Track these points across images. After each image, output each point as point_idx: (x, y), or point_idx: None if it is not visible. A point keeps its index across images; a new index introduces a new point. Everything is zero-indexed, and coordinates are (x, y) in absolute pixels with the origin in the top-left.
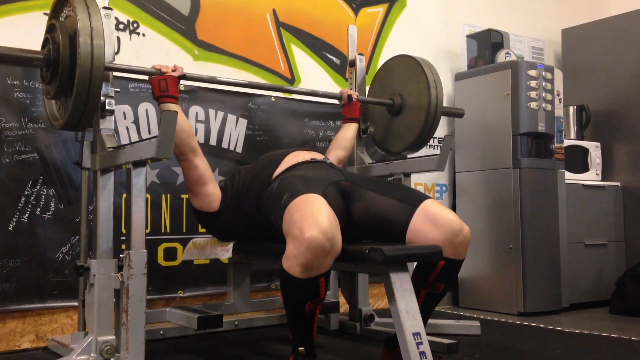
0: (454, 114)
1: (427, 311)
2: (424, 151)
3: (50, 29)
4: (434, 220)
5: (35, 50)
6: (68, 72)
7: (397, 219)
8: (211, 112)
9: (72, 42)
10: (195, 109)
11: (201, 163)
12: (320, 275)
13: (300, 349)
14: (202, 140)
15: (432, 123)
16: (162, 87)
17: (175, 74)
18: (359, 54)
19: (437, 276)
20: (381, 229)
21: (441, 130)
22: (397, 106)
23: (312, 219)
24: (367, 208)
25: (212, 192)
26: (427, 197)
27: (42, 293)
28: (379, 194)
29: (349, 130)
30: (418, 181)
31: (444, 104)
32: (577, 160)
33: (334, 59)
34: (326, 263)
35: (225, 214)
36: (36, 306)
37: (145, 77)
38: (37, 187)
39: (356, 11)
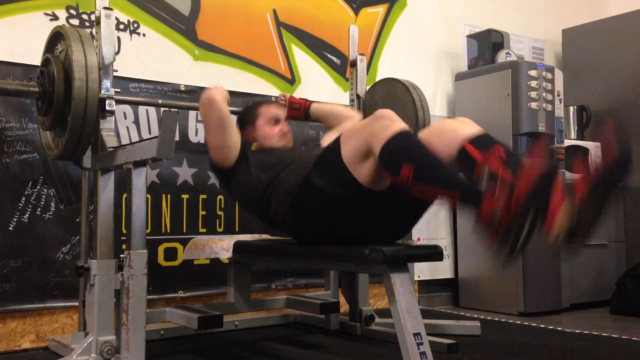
0: None
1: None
2: None
3: (45, 62)
4: (437, 132)
5: (30, 84)
6: (63, 106)
7: None
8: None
9: (67, 77)
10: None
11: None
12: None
13: (480, 172)
14: (202, 141)
15: None
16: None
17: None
18: (360, 54)
19: (482, 156)
20: None
21: None
22: None
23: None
24: None
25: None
26: None
27: (43, 293)
28: None
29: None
30: None
31: (444, 105)
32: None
33: (335, 59)
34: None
35: (240, 172)
36: (36, 306)
37: (146, 77)
38: (38, 187)
39: (356, 11)
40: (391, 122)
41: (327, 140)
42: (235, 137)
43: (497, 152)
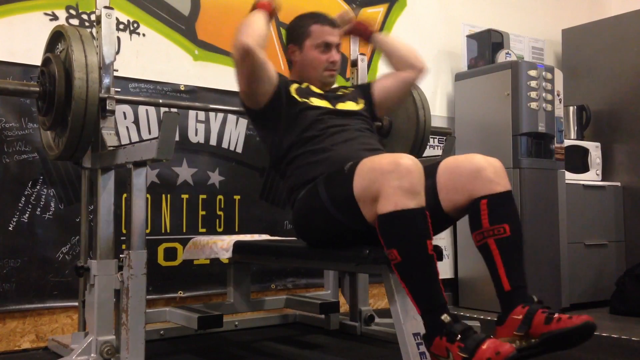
0: (443, 133)
1: (512, 263)
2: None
3: (45, 62)
4: (455, 169)
5: (31, 84)
6: (63, 106)
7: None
8: (211, 112)
9: (67, 77)
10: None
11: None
12: (424, 203)
13: (443, 318)
14: (202, 141)
15: (421, 142)
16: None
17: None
18: (361, 53)
19: (489, 218)
20: None
21: None
22: (386, 128)
23: (396, 155)
24: None
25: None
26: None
27: (42, 293)
28: None
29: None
30: None
31: (444, 105)
32: (578, 160)
33: None
34: (423, 184)
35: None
36: (36, 306)
37: (145, 77)
38: (37, 187)
39: (356, 11)
40: (403, 184)
41: (380, 86)
42: (268, 85)
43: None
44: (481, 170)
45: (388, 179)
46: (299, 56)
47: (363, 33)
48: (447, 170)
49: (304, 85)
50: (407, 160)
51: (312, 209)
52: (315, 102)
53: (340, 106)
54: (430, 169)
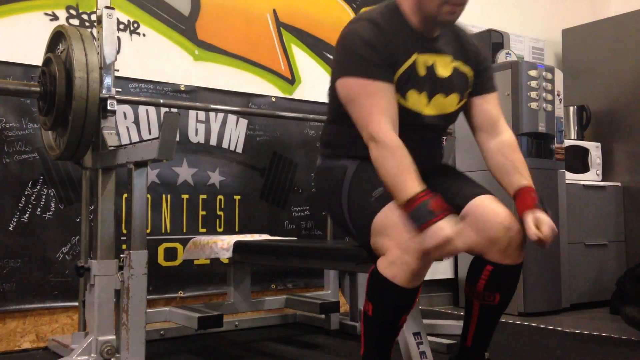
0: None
1: (484, 329)
2: None
3: (46, 62)
4: (476, 220)
5: (32, 84)
6: (64, 106)
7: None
8: (211, 112)
9: (68, 76)
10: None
11: None
12: (420, 285)
13: None
14: (202, 141)
15: None
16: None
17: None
18: None
19: (486, 284)
20: None
21: None
22: None
23: (430, 234)
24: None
25: None
26: (482, 193)
27: (43, 293)
28: (446, 181)
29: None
30: None
31: None
32: (578, 160)
33: None
34: (429, 267)
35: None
36: (36, 306)
37: (146, 77)
38: (38, 187)
39: (356, 11)
40: (411, 267)
41: (477, 105)
42: None
43: None
44: (496, 241)
45: (404, 250)
46: None
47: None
48: (471, 214)
49: (413, 60)
50: (434, 250)
51: (331, 192)
52: (410, 99)
53: (435, 107)
54: (454, 200)
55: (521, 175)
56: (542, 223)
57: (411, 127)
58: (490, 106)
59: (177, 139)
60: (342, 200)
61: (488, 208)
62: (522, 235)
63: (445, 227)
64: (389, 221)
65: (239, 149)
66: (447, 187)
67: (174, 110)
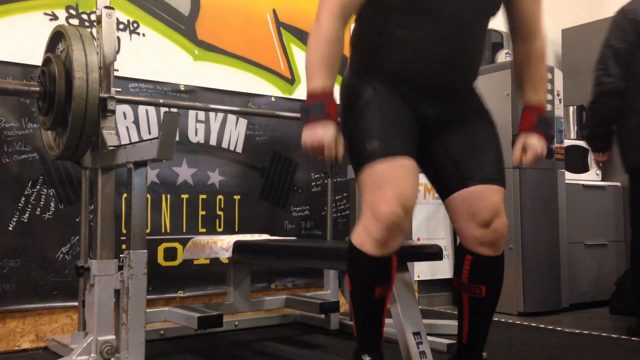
0: None
1: (477, 324)
2: None
3: (46, 62)
4: (466, 206)
5: (31, 84)
6: (64, 106)
7: (448, 185)
8: (211, 112)
9: (67, 76)
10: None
11: None
12: (392, 253)
13: (364, 357)
14: (202, 140)
15: None
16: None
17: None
18: None
19: (469, 275)
20: (436, 182)
21: None
22: None
23: (395, 189)
24: (434, 161)
25: None
26: (492, 181)
27: (42, 293)
28: (453, 150)
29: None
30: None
31: None
32: (577, 160)
33: None
34: (399, 239)
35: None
36: (36, 306)
37: (145, 77)
38: (37, 187)
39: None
40: (375, 235)
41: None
42: None
43: None
44: (482, 226)
45: (370, 213)
46: None
47: None
48: (462, 200)
49: None
50: (395, 207)
51: (343, 117)
52: None
53: None
54: (470, 176)
55: (534, 92)
56: (528, 148)
57: (428, 15)
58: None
59: (177, 138)
60: (345, 131)
61: (480, 196)
62: (505, 225)
63: (324, 131)
64: (368, 181)
65: (239, 149)
66: (459, 151)
67: (173, 110)
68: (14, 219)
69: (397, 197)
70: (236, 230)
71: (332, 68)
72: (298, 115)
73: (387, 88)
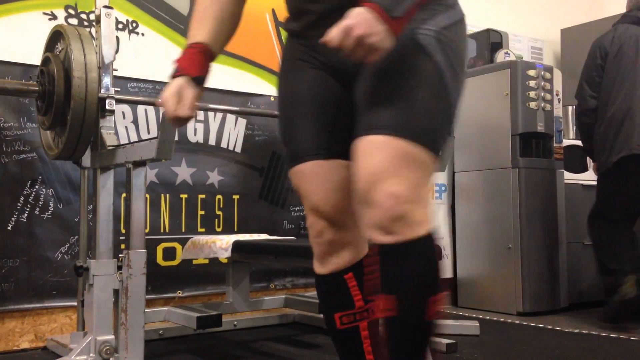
0: None
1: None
2: None
3: (45, 61)
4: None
5: (30, 83)
6: (63, 105)
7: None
8: (210, 111)
9: (66, 76)
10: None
11: None
12: (343, 271)
13: None
14: (201, 140)
15: None
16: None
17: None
18: None
19: (366, 286)
20: None
21: None
22: None
23: (307, 200)
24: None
25: None
26: (375, 129)
27: (41, 293)
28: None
29: None
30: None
31: None
32: (576, 160)
33: None
34: (344, 254)
35: None
36: (35, 306)
37: (144, 77)
38: (36, 186)
39: None
40: (314, 248)
41: None
42: None
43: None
44: (359, 199)
45: (310, 230)
46: None
47: None
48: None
49: None
50: (311, 218)
51: None
52: None
53: None
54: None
55: None
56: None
57: None
58: None
59: (176, 138)
60: None
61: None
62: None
63: (167, 87)
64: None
65: (238, 149)
66: (359, 94)
67: None
68: (13, 219)
69: (312, 209)
70: (235, 230)
71: (204, 20)
72: None
73: (288, 56)
